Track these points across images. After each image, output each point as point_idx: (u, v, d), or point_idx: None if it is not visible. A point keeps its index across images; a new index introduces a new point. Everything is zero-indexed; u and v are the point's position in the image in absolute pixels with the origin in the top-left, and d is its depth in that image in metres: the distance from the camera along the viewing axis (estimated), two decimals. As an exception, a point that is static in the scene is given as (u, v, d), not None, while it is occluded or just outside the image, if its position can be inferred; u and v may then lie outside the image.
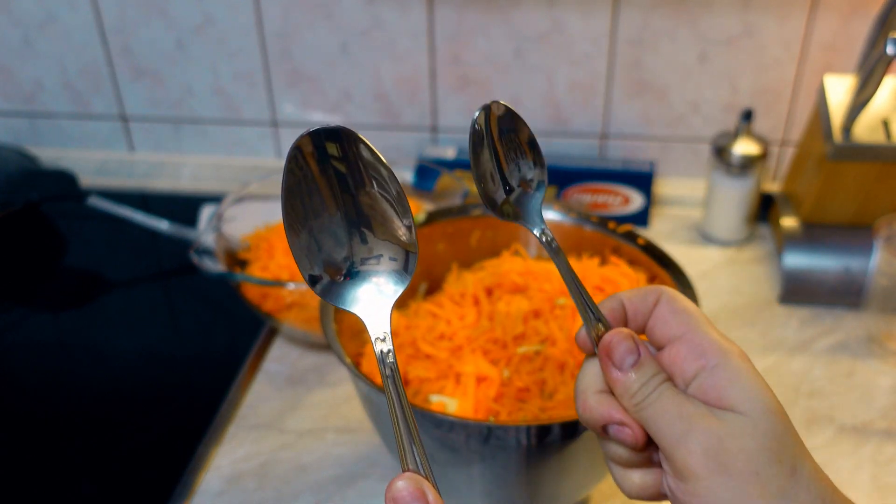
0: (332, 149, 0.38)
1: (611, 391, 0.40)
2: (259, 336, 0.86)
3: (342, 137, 0.38)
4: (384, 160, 0.39)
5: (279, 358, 0.84)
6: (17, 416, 0.80)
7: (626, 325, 0.41)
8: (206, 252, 0.83)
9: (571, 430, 0.52)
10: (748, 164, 0.94)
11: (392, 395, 0.37)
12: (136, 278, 1.00)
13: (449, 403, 0.58)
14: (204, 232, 0.86)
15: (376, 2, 1.02)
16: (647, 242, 0.68)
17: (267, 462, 0.72)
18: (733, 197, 0.96)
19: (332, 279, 0.39)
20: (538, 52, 1.03)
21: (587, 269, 0.68)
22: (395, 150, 1.13)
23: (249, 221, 0.90)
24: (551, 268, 0.69)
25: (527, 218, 0.46)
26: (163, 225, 0.98)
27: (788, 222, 0.93)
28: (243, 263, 0.86)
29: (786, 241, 0.91)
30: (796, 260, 0.89)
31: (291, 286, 0.76)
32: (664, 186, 1.08)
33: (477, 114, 0.44)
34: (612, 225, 0.70)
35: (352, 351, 0.62)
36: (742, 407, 0.36)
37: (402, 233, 0.40)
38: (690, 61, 1.02)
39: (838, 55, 0.99)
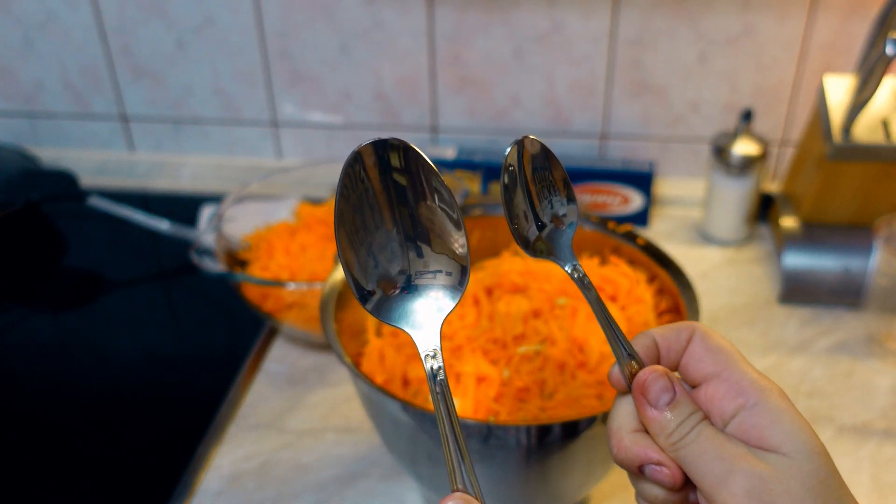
0: (395, 160, 0.38)
1: (645, 430, 0.39)
2: (259, 336, 0.86)
3: (403, 149, 0.38)
4: (440, 174, 0.39)
5: (279, 358, 0.84)
6: (17, 416, 0.80)
7: (658, 362, 0.40)
8: (207, 252, 0.83)
9: (571, 429, 0.52)
10: (748, 164, 0.94)
11: (442, 412, 0.37)
12: (136, 278, 1.00)
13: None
14: (204, 232, 0.86)
15: (376, 2, 1.02)
16: (646, 242, 0.68)
17: (267, 462, 0.72)
18: (733, 197, 0.96)
19: (386, 293, 0.39)
20: (538, 52, 1.03)
21: (587, 268, 0.68)
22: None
23: (249, 221, 0.90)
24: (551, 268, 0.69)
25: (559, 254, 0.45)
26: (163, 225, 0.98)
27: (788, 222, 0.93)
28: (243, 263, 0.86)
29: (785, 241, 0.91)
30: (796, 260, 0.89)
31: (291, 286, 0.76)
32: (664, 186, 1.08)
33: (509, 150, 0.43)
34: (611, 225, 0.70)
35: (352, 351, 0.62)
36: (785, 448, 0.35)
37: (457, 247, 0.39)
38: (690, 61, 1.02)
39: (838, 55, 0.99)
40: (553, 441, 0.53)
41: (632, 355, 0.40)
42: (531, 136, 0.45)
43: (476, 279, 0.68)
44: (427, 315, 0.39)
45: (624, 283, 0.66)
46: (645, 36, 1.00)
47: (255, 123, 1.15)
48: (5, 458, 0.74)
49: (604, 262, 0.70)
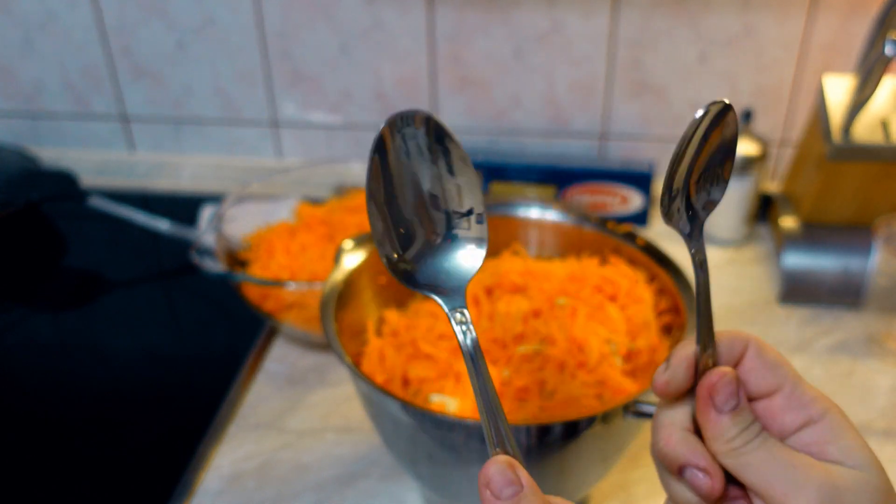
0: (428, 128, 0.39)
1: (697, 431, 0.38)
2: (259, 336, 0.86)
3: (436, 123, 0.39)
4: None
5: (279, 358, 0.84)
6: (17, 416, 0.80)
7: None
8: (207, 252, 0.83)
9: (571, 429, 0.52)
10: (748, 164, 0.94)
11: (475, 375, 0.37)
12: (137, 278, 1.00)
13: (449, 403, 0.58)
14: (204, 232, 0.86)
15: (376, 2, 1.02)
16: (646, 242, 0.68)
17: (267, 462, 0.72)
18: (733, 197, 0.96)
19: (423, 249, 0.39)
20: (538, 52, 1.03)
21: (587, 268, 0.68)
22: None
23: (250, 221, 0.90)
24: (551, 268, 0.69)
25: (693, 235, 0.43)
26: (163, 225, 0.98)
27: (788, 222, 0.93)
28: (243, 263, 0.86)
29: (785, 241, 0.91)
30: (796, 260, 0.89)
31: (291, 286, 0.76)
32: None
33: (705, 112, 0.41)
34: (611, 225, 0.70)
35: (352, 351, 0.62)
36: (850, 462, 0.36)
37: (482, 206, 0.40)
38: (690, 61, 1.02)
39: (837, 55, 0.99)
40: (553, 441, 0.53)
41: (711, 352, 0.39)
42: (733, 107, 0.42)
43: (476, 279, 0.68)
44: (452, 276, 0.40)
45: (624, 283, 0.66)
46: (645, 36, 1.00)
47: (256, 123, 1.15)
48: (5, 458, 0.74)
49: (604, 262, 0.70)
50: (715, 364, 0.38)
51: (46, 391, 0.83)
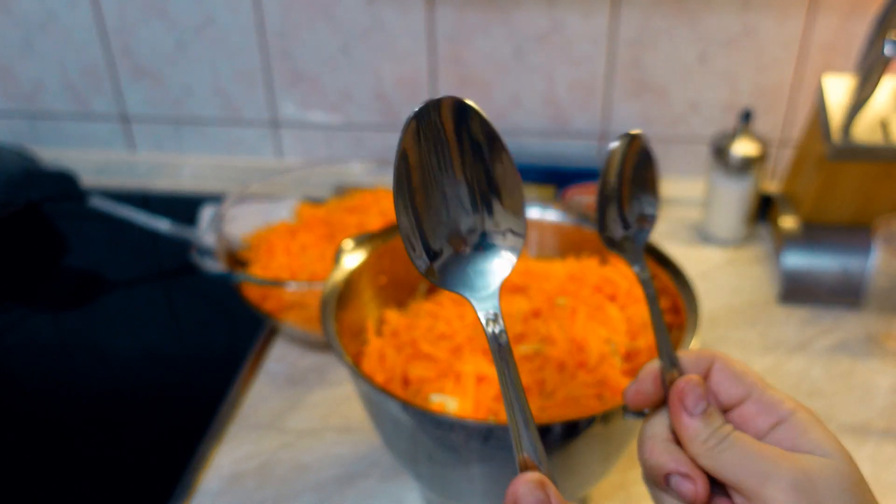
0: (471, 116, 0.37)
1: (677, 442, 0.40)
2: (259, 336, 0.86)
3: (471, 109, 0.37)
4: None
5: (279, 358, 0.84)
6: (17, 416, 0.80)
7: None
8: (207, 252, 0.83)
9: (571, 429, 0.52)
10: (747, 164, 0.94)
11: (507, 377, 0.37)
12: (137, 278, 1.00)
13: (449, 403, 0.58)
14: (204, 232, 0.86)
15: (376, 2, 1.02)
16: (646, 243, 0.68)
17: (267, 462, 0.72)
18: (732, 197, 0.96)
19: (456, 251, 0.38)
20: (538, 52, 1.03)
21: (587, 268, 0.68)
22: (395, 151, 1.13)
23: (250, 221, 0.90)
24: (551, 268, 0.69)
25: (632, 254, 0.46)
26: (163, 225, 0.98)
27: (787, 222, 0.93)
28: (243, 263, 0.86)
29: (785, 241, 0.91)
30: (795, 260, 0.89)
31: (291, 286, 0.76)
32: (664, 186, 1.08)
33: (616, 145, 0.44)
34: None
35: (352, 351, 0.63)
36: (819, 452, 0.37)
37: (521, 208, 0.39)
38: (690, 61, 1.02)
39: (837, 55, 0.99)
40: (553, 441, 0.53)
41: (675, 364, 0.41)
42: (640, 133, 0.46)
43: None
44: (484, 278, 0.39)
45: (623, 283, 0.66)
46: (645, 36, 1.00)
47: (256, 123, 1.15)
48: (5, 458, 0.74)
49: (603, 262, 0.70)
50: (681, 375, 0.41)
51: (46, 391, 0.83)
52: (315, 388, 0.80)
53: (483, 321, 0.38)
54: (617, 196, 0.46)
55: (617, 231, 0.45)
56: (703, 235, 1.02)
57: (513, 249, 0.39)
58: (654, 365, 0.42)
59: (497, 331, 0.38)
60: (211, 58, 1.10)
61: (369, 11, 1.03)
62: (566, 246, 0.73)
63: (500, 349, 0.38)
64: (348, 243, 0.68)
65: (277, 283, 0.77)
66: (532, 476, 0.35)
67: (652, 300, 0.44)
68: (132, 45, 1.11)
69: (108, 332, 0.91)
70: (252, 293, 0.81)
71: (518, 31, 1.02)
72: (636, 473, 0.70)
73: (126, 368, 0.85)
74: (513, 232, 0.39)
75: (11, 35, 1.12)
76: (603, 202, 0.45)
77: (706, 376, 0.41)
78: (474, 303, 0.39)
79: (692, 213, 1.06)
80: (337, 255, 0.67)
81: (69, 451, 0.74)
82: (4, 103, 1.18)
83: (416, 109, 0.37)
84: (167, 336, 0.91)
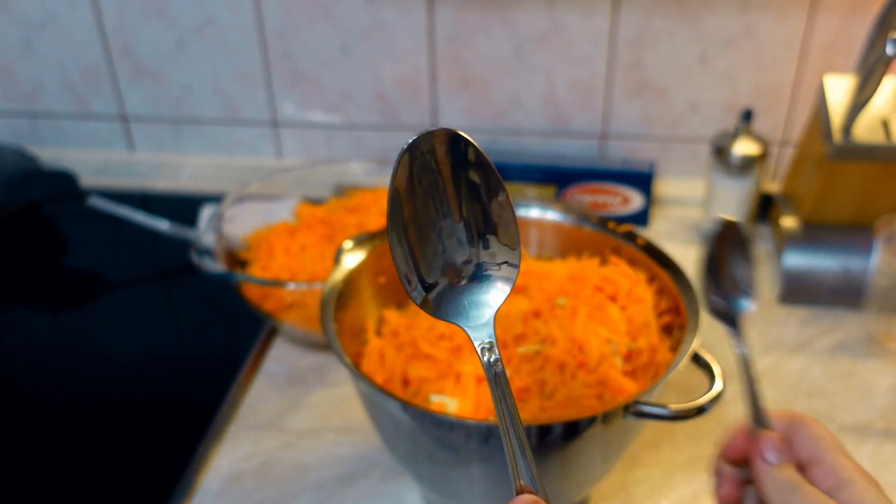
0: (466, 147, 0.37)
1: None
2: (259, 336, 0.86)
3: (464, 140, 0.38)
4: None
5: (279, 358, 0.84)
6: (17, 416, 0.80)
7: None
8: (207, 252, 0.83)
9: (572, 429, 0.52)
10: (748, 164, 0.94)
11: (502, 405, 0.37)
12: (137, 278, 1.00)
13: (449, 403, 0.58)
14: (204, 232, 0.86)
15: (376, 2, 1.02)
16: (647, 242, 0.68)
17: (267, 462, 0.72)
18: (733, 197, 0.96)
19: (451, 283, 0.39)
20: (538, 52, 1.03)
21: (587, 268, 0.68)
22: (395, 151, 1.13)
23: (249, 221, 0.90)
24: (551, 268, 0.69)
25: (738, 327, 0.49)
26: (163, 225, 0.98)
27: (788, 222, 0.93)
28: (243, 263, 0.86)
29: (785, 241, 0.91)
30: (796, 260, 0.89)
31: (291, 286, 0.76)
32: (664, 186, 1.08)
33: (712, 229, 0.47)
34: (612, 225, 0.70)
35: (352, 351, 0.62)
36: None
37: (516, 239, 0.40)
38: (690, 61, 1.02)
39: (838, 55, 0.99)
40: (553, 441, 0.53)
41: (762, 423, 0.44)
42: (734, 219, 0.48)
43: None
44: (479, 308, 0.39)
45: (624, 283, 0.66)
46: (645, 36, 1.00)
47: (256, 123, 1.15)
48: (5, 458, 0.74)
49: (604, 262, 0.70)
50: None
51: (46, 391, 0.83)
52: (315, 388, 0.80)
53: (478, 350, 0.39)
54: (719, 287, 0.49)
55: (718, 302, 0.49)
56: (703, 235, 1.02)
57: (507, 280, 0.40)
58: (744, 424, 0.45)
59: (493, 359, 0.38)
60: (211, 58, 1.10)
61: (369, 11, 1.03)
62: (566, 246, 0.73)
63: (496, 378, 0.38)
64: (348, 243, 0.68)
65: (277, 284, 0.77)
66: (528, 498, 0.36)
67: (747, 371, 0.46)
68: (132, 45, 1.11)
69: (108, 332, 0.91)
70: (252, 293, 0.81)
71: (518, 31, 1.02)
72: (637, 474, 0.70)
73: (126, 368, 0.85)
74: (508, 263, 0.40)
75: (11, 35, 1.12)
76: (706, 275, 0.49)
77: (791, 435, 0.44)
78: (469, 332, 0.39)
79: (692, 213, 1.06)
80: (337, 254, 0.67)
81: (69, 451, 0.74)
82: (4, 103, 1.18)
83: (409, 142, 0.37)
84: (167, 336, 0.91)
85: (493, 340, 0.39)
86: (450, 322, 0.39)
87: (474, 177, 0.38)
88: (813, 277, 0.89)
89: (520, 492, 0.37)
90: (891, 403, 0.77)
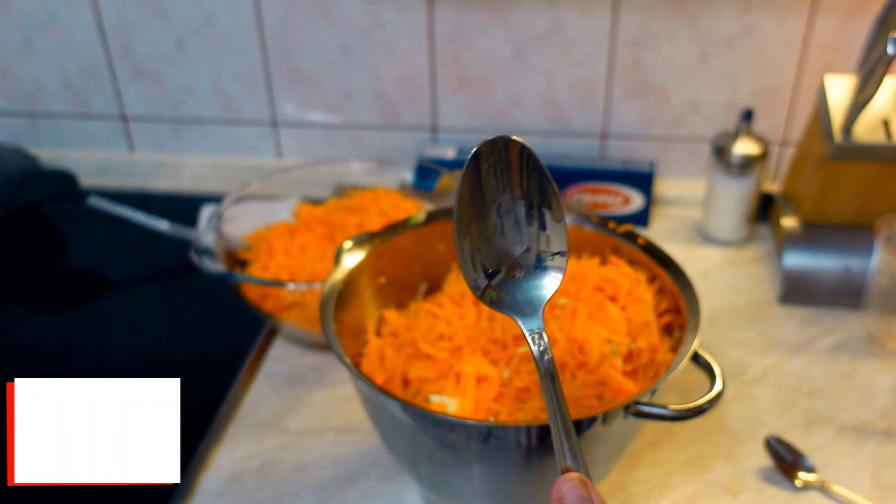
0: (528, 157, 0.43)
1: None
2: (259, 336, 0.86)
3: (525, 149, 0.43)
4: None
5: (279, 358, 0.84)
6: (17, 416, 0.80)
7: None
8: (206, 252, 0.83)
9: (588, 424, 0.52)
10: (748, 164, 0.94)
11: (550, 391, 0.40)
12: (137, 278, 1.00)
13: (449, 403, 0.58)
14: (204, 232, 0.86)
15: (376, 2, 1.02)
16: (646, 242, 0.68)
17: (267, 462, 0.72)
18: (733, 197, 0.96)
19: (508, 275, 0.43)
20: (538, 52, 1.03)
21: (587, 268, 0.68)
22: (395, 150, 1.13)
23: (249, 221, 0.90)
24: None
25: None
26: (163, 225, 0.98)
27: (788, 222, 0.93)
28: (243, 263, 0.86)
29: (786, 241, 0.90)
30: (796, 260, 0.89)
31: (291, 286, 0.76)
32: (664, 186, 1.08)
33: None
34: (611, 225, 0.70)
35: (352, 351, 0.62)
36: None
37: (565, 235, 0.44)
38: (690, 61, 1.01)
39: (838, 55, 0.99)
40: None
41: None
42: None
43: None
44: (531, 300, 0.43)
45: (624, 283, 0.66)
46: (645, 36, 1.00)
47: (255, 123, 1.14)
48: (5, 457, 0.74)
49: (604, 262, 0.70)
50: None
51: (46, 391, 0.83)
52: (315, 388, 0.80)
53: (529, 340, 0.42)
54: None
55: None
56: (703, 235, 1.02)
57: (559, 269, 0.44)
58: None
59: (542, 348, 0.42)
60: (211, 57, 1.10)
61: (369, 11, 1.03)
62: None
63: (545, 365, 0.41)
64: (348, 243, 0.68)
65: (277, 284, 0.77)
66: (574, 475, 0.37)
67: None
68: (132, 45, 1.11)
69: (107, 332, 0.91)
70: (252, 293, 0.81)
71: (518, 31, 1.02)
72: (637, 474, 0.69)
73: (126, 368, 0.85)
74: (560, 254, 0.44)
75: (11, 35, 1.12)
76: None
77: None
78: (521, 323, 0.43)
79: (692, 213, 1.06)
80: (336, 255, 0.67)
81: (69, 451, 0.74)
82: (4, 103, 1.18)
83: (480, 146, 0.42)
84: (167, 336, 0.91)
85: (542, 329, 0.42)
86: (505, 314, 0.43)
87: (532, 179, 0.42)
88: (813, 277, 0.89)
89: (565, 471, 0.38)
90: (891, 403, 0.77)
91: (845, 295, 0.88)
